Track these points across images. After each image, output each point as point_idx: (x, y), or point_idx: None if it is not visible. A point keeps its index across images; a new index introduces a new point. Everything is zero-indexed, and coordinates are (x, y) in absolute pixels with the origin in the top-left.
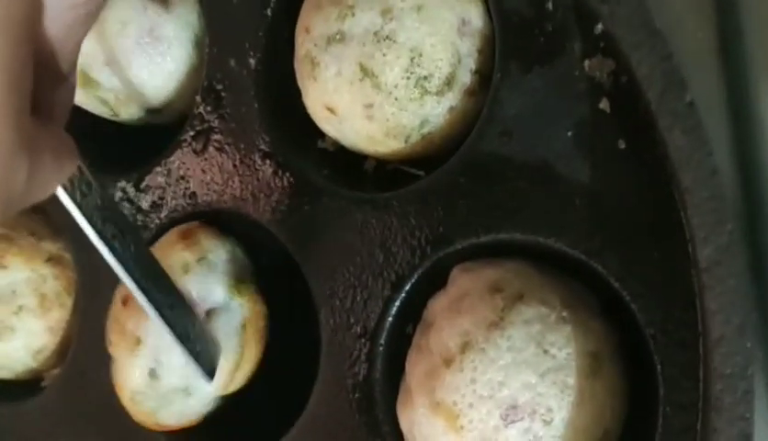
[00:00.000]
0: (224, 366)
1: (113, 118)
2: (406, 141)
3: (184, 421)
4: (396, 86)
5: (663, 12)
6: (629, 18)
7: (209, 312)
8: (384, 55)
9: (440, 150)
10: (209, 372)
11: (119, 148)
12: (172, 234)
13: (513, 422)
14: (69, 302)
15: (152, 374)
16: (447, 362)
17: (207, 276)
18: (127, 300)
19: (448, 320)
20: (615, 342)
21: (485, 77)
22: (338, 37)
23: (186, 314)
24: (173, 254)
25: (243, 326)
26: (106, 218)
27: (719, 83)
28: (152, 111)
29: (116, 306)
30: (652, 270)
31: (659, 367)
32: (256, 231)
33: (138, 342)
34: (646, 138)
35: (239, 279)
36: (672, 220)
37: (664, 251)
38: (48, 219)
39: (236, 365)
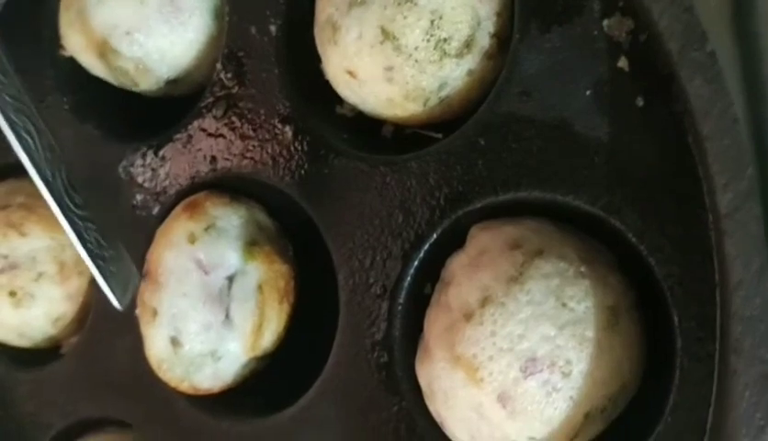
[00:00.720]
0: (245, 327)
1: (133, 89)
2: (425, 105)
3: (220, 384)
4: (416, 48)
5: None
6: None
7: (231, 278)
8: (405, 18)
9: (457, 114)
10: (120, 295)
11: (139, 117)
12: (178, 208)
13: (532, 374)
14: (87, 270)
15: (175, 342)
16: (467, 316)
17: (216, 242)
18: (146, 274)
19: (468, 275)
20: (632, 297)
21: (503, 41)
22: (360, 0)
23: (104, 236)
24: (177, 227)
25: (260, 287)
26: (19, 109)
27: (732, 47)
28: (170, 82)
29: (141, 281)
30: (670, 225)
31: (676, 319)
32: (277, 195)
33: (155, 313)
34: (664, 94)
35: (251, 242)
36: (689, 175)
37: (681, 206)
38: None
39: (256, 326)
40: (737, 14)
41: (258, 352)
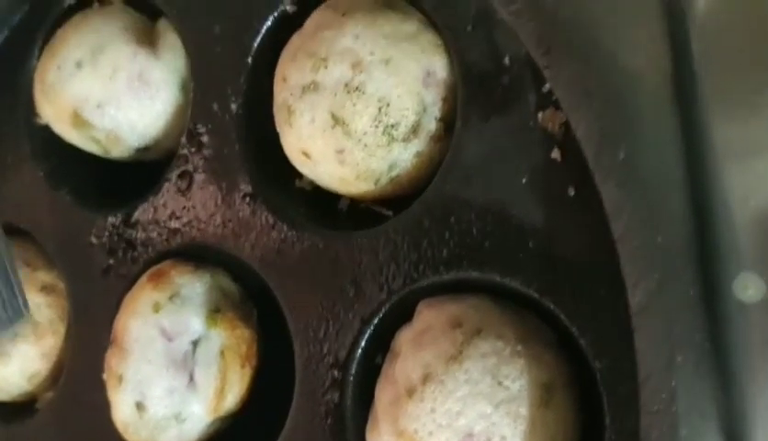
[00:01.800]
0: (208, 391)
1: (104, 156)
2: (376, 184)
3: None
4: (365, 134)
5: (618, 52)
6: (569, 81)
7: (195, 343)
8: (354, 105)
9: (408, 191)
10: (8, 320)
11: (110, 184)
12: (144, 276)
13: None
14: (62, 329)
15: (140, 406)
16: (410, 392)
17: (180, 310)
18: (113, 341)
19: (412, 352)
20: (568, 373)
21: (450, 124)
22: (312, 86)
23: None
24: (142, 296)
25: (222, 353)
26: None
27: (674, 117)
28: (141, 149)
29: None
30: (598, 308)
31: (604, 397)
32: (239, 266)
33: (120, 379)
34: (592, 186)
35: (215, 309)
36: (616, 261)
37: (610, 289)
38: (42, 249)
39: (218, 390)
40: (677, 80)
41: (221, 413)
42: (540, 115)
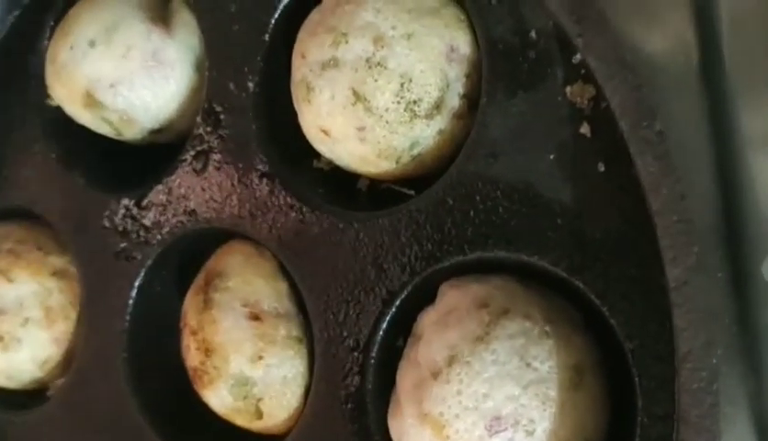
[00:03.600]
0: None
1: (117, 138)
2: (397, 162)
3: None
4: (387, 110)
5: (646, 38)
6: (603, 51)
7: None
8: (375, 81)
9: (430, 170)
10: None
11: (123, 166)
12: None
13: (497, 432)
14: (74, 315)
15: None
16: (435, 374)
17: None
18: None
19: (436, 334)
20: (597, 355)
21: (473, 101)
22: (332, 63)
23: None
24: None
25: None
26: None
27: (702, 102)
28: (154, 131)
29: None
30: (630, 287)
31: (637, 379)
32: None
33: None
34: (623, 161)
35: None
36: (648, 239)
37: (642, 268)
38: (54, 234)
39: None
40: (704, 70)
41: None
42: (568, 89)
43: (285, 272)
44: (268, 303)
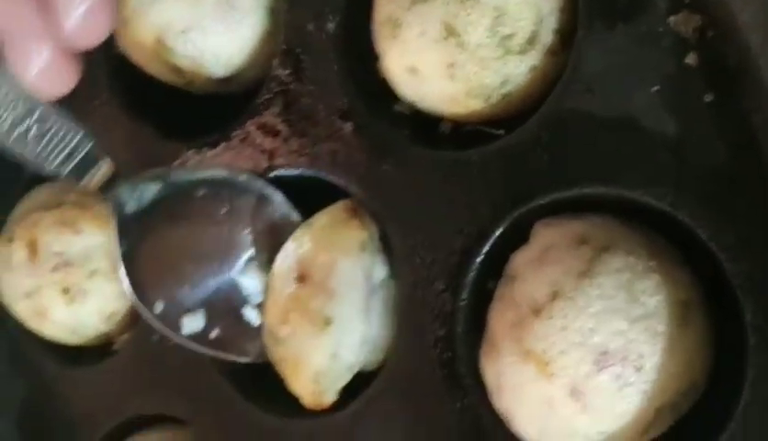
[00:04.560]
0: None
1: (185, 87)
2: (486, 101)
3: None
4: (480, 45)
5: None
6: None
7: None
8: (468, 15)
9: (518, 111)
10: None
11: (190, 116)
12: (338, 210)
13: (604, 367)
14: None
15: (335, 356)
16: (536, 312)
17: (375, 252)
18: (306, 277)
19: (534, 271)
20: (701, 293)
21: (566, 37)
22: None
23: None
24: (346, 233)
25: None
26: None
27: None
28: (223, 80)
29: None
30: (740, 220)
31: (748, 316)
32: (335, 192)
33: (328, 322)
34: (735, 89)
35: None
36: (758, 172)
37: (751, 201)
38: None
39: None
40: None
41: None
42: (672, 19)
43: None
44: None
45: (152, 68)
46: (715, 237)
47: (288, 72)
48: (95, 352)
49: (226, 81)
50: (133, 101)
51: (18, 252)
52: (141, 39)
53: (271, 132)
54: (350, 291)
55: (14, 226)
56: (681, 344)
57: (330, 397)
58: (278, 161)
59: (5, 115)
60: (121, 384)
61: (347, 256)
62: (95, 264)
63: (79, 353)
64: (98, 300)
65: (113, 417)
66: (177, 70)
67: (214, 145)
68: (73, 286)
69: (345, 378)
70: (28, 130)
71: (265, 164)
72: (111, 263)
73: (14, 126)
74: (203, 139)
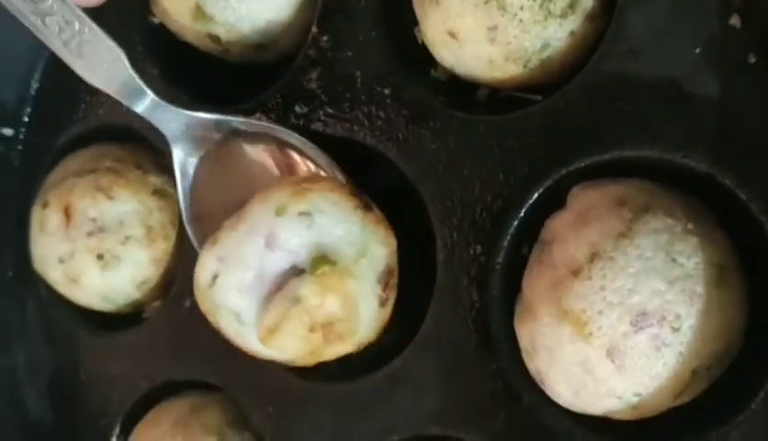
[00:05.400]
0: None
1: (221, 55)
2: (525, 66)
3: None
4: (522, 8)
5: None
6: None
7: None
8: None
9: (554, 77)
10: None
11: (225, 84)
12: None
13: (642, 328)
14: (173, 235)
15: None
16: (575, 272)
17: None
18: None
19: (574, 232)
20: (737, 256)
21: (605, 2)
22: None
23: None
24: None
25: None
26: None
27: None
28: (259, 47)
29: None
30: None
31: None
32: (372, 156)
33: None
34: None
35: None
36: None
37: None
38: (154, 153)
39: None
40: None
41: None
42: None
43: None
44: None
45: (190, 35)
46: (755, 199)
47: (325, 38)
48: (126, 319)
49: (262, 49)
50: (167, 69)
51: (53, 217)
52: (179, 5)
53: (307, 97)
54: None
55: (48, 191)
56: (717, 306)
57: None
58: (316, 125)
59: (50, 22)
60: (153, 351)
61: None
62: (128, 230)
63: (110, 320)
64: (131, 267)
65: (144, 384)
66: (214, 37)
67: (251, 112)
68: (106, 252)
69: None
70: (72, 36)
71: (301, 129)
72: (145, 230)
73: (61, 31)
74: (239, 106)
